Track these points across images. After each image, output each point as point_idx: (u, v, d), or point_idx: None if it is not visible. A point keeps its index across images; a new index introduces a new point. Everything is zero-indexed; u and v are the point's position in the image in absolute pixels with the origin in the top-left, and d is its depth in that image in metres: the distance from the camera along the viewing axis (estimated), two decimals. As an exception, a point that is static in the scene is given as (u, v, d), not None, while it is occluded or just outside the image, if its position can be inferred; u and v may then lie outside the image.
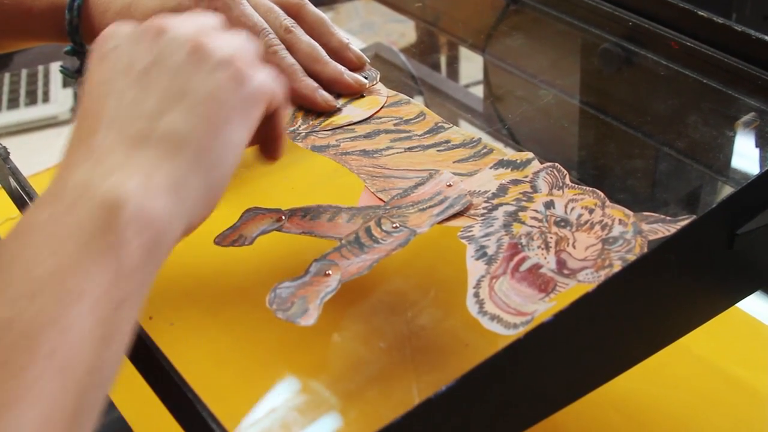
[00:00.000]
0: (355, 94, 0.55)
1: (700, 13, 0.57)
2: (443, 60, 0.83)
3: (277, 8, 0.55)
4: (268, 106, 0.41)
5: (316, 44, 0.55)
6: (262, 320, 0.46)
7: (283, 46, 0.53)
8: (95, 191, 0.33)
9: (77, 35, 0.56)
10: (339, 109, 0.54)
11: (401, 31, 0.84)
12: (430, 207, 0.45)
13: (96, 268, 0.32)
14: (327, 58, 0.55)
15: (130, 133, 0.36)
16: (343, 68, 0.55)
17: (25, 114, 0.86)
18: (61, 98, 0.88)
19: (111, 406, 0.50)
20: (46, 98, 0.88)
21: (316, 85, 0.54)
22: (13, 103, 0.88)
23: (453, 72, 0.82)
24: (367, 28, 0.86)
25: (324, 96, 0.54)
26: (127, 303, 0.33)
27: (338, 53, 0.56)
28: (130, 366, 0.41)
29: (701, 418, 0.49)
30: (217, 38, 0.39)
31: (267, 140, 0.44)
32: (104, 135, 0.36)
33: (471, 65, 0.79)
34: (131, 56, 0.38)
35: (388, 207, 0.46)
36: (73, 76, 0.60)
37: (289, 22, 0.54)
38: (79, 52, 0.58)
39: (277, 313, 0.40)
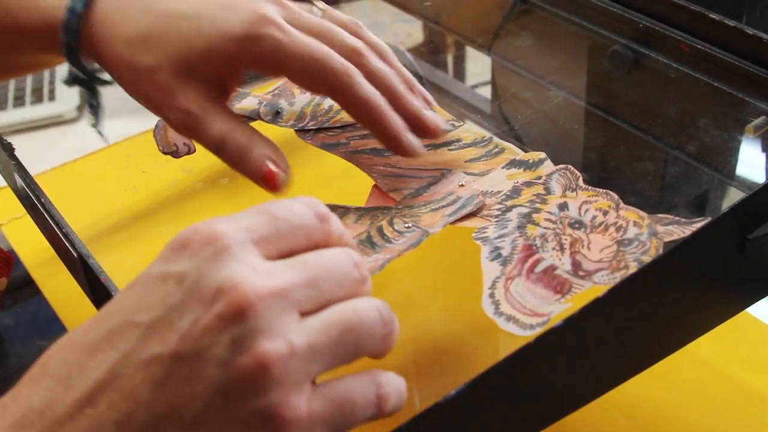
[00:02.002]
0: (431, 138, 0.46)
1: (711, 15, 0.57)
2: (450, 60, 0.83)
3: (338, 28, 0.44)
4: None
5: (391, 71, 0.45)
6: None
7: (357, 70, 0.43)
8: None
9: (75, 60, 0.47)
10: None
11: (408, 31, 0.84)
12: (443, 207, 0.45)
13: None
14: (404, 89, 0.45)
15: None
16: (421, 104, 0.45)
17: (30, 112, 0.86)
18: (67, 97, 0.88)
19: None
20: (52, 96, 0.88)
21: (403, 123, 0.44)
22: (18, 101, 0.88)
23: (460, 72, 0.82)
24: (374, 28, 0.85)
25: (411, 141, 0.44)
26: None
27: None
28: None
29: (707, 421, 0.49)
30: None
31: None
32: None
33: (478, 66, 0.79)
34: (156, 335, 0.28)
35: (399, 207, 0.46)
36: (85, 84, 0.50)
37: (357, 42, 0.44)
38: (83, 79, 0.49)
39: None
